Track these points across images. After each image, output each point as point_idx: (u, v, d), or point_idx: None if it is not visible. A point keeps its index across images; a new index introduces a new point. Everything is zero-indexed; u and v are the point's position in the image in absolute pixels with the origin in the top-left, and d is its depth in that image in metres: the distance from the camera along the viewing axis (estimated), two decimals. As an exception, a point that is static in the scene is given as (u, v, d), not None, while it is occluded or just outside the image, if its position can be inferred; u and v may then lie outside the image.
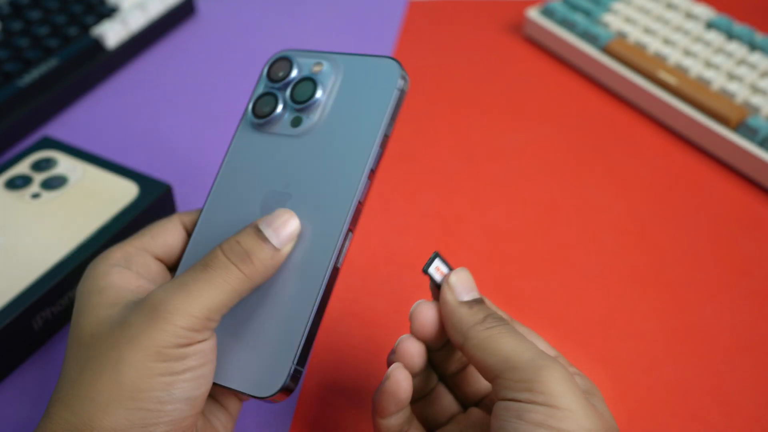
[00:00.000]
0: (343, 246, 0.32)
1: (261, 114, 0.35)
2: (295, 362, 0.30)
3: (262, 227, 0.31)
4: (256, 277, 0.30)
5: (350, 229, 0.32)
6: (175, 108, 0.60)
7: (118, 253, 0.33)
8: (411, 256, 0.48)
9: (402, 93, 0.33)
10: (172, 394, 0.28)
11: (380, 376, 0.41)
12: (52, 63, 0.58)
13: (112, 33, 0.62)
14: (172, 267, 0.34)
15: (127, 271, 0.32)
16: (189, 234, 0.35)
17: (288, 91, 0.35)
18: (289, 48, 0.36)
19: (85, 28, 0.62)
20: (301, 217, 0.32)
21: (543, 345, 0.33)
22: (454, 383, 0.35)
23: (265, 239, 0.30)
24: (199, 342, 0.29)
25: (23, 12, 0.62)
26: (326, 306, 0.32)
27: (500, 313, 0.33)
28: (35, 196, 0.46)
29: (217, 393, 0.34)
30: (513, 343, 0.29)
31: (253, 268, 0.30)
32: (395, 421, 0.32)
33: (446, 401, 0.34)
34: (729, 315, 0.45)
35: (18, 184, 0.47)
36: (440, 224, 0.50)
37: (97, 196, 0.46)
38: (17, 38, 0.60)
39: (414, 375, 0.32)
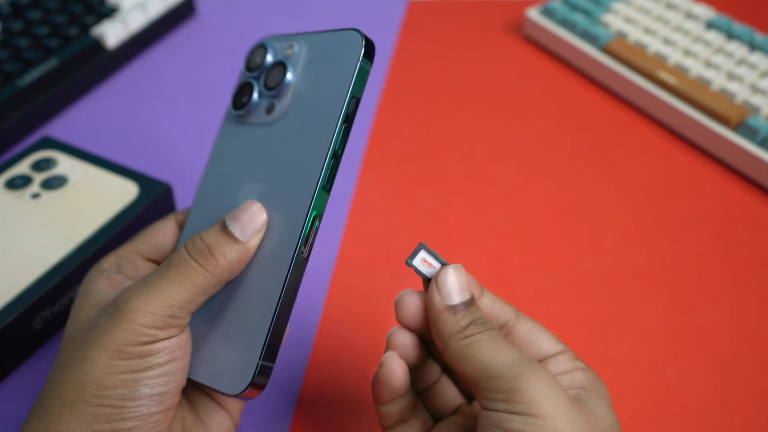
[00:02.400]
0: (308, 234, 0.30)
1: (238, 105, 0.34)
2: (262, 358, 0.29)
3: (228, 221, 0.31)
4: (220, 272, 0.30)
5: (315, 216, 0.30)
6: (175, 108, 0.60)
7: (111, 258, 0.34)
8: (411, 256, 0.48)
9: (364, 64, 0.31)
10: (137, 390, 0.28)
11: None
12: (52, 63, 0.58)
13: (112, 33, 0.62)
14: None
15: (116, 275, 0.33)
16: (181, 231, 0.35)
17: (262, 79, 0.34)
18: (271, 34, 0.35)
19: (85, 28, 0.62)
20: (269, 208, 0.31)
21: (548, 339, 0.32)
22: (457, 376, 0.34)
23: (229, 233, 0.30)
24: (164, 339, 0.29)
25: (23, 12, 0.62)
26: (294, 298, 0.30)
27: (503, 308, 0.32)
28: (35, 196, 0.46)
29: (213, 392, 0.33)
30: (490, 352, 0.28)
31: (215, 264, 0.30)
32: (394, 408, 0.31)
33: (451, 393, 0.34)
34: (729, 315, 0.45)
35: (18, 184, 0.47)
36: (440, 224, 0.50)
37: (97, 196, 0.46)
38: (17, 38, 0.60)
39: (412, 365, 0.32)
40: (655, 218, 0.51)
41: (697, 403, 0.40)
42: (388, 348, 0.32)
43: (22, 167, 0.48)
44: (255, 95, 0.34)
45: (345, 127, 0.31)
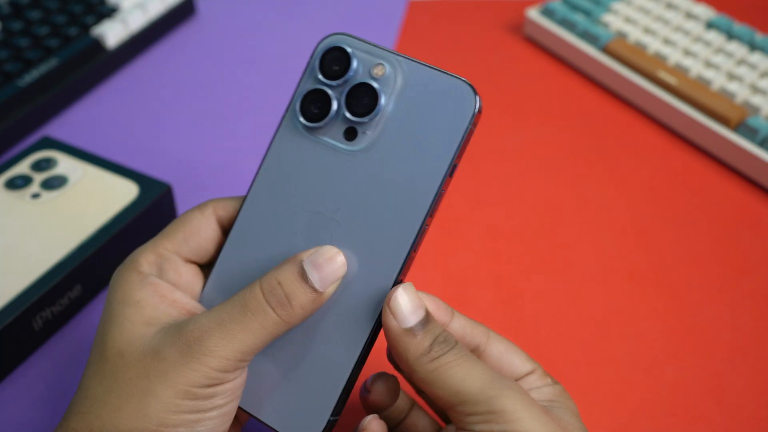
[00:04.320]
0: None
1: (311, 116, 0.31)
2: (332, 413, 0.30)
3: (307, 267, 0.29)
4: (293, 320, 0.29)
5: (401, 280, 0.30)
6: (175, 108, 0.60)
7: (150, 256, 0.32)
8: (411, 256, 0.48)
9: (475, 125, 0.30)
10: (196, 430, 0.28)
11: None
12: (52, 63, 0.58)
13: (112, 33, 0.62)
14: (206, 264, 0.34)
15: (161, 282, 0.31)
16: (223, 230, 0.33)
17: (344, 95, 0.30)
18: (344, 33, 0.31)
19: (85, 28, 0.62)
20: (347, 253, 0.30)
21: (519, 360, 0.32)
22: (427, 398, 0.35)
23: (307, 280, 0.29)
24: (229, 381, 0.29)
25: (23, 12, 0.62)
26: (367, 356, 0.30)
27: (474, 331, 0.32)
28: (35, 196, 0.46)
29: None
30: (460, 374, 0.28)
31: (292, 312, 0.29)
32: None
33: (422, 424, 0.34)
34: (729, 315, 0.45)
35: (18, 184, 0.47)
36: (440, 224, 0.50)
37: (97, 196, 0.46)
38: (17, 38, 0.60)
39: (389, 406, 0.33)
40: (655, 218, 0.51)
41: (697, 403, 0.40)
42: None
43: (22, 167, 0.48)
44: (332, 110, 0.30)
45: (442, 192, 0.29)
